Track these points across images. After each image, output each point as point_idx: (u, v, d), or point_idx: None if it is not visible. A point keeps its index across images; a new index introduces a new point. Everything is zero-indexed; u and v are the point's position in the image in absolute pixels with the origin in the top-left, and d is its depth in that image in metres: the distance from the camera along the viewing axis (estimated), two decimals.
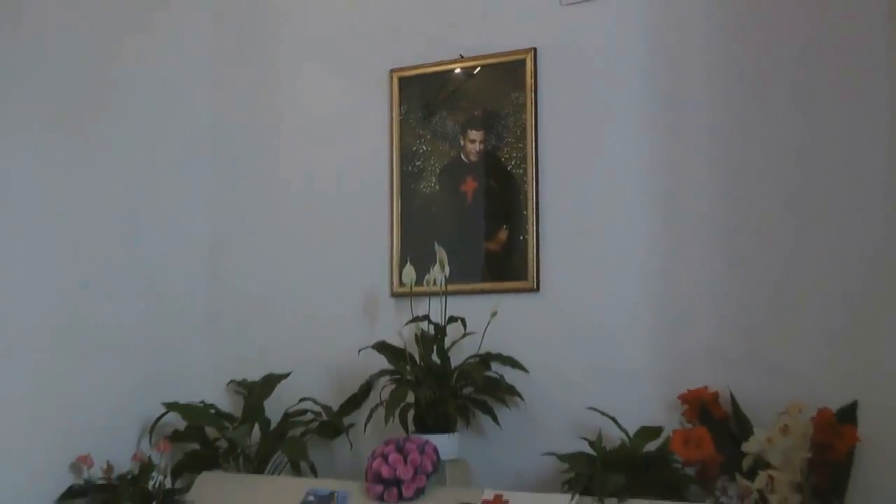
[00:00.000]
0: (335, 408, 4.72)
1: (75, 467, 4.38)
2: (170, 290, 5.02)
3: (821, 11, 3.99)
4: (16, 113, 4.30)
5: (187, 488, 4.57)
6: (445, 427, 4.28)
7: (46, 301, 4.39)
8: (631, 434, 3.96)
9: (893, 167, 3.83)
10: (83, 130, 4.59)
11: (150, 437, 4.71)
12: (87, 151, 4.61)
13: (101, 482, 4.39)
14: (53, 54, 4.45)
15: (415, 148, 4.77)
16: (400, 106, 4.79)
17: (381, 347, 4.47)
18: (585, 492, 3.79)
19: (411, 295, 4.48)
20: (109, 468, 4.41)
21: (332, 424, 4.69)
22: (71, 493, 4.36)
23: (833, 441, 3.63)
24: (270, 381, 4.82)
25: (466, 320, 4.37)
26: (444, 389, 4.30)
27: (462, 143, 4.65)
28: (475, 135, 4.62)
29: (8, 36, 4.30)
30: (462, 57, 4.66)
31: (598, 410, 4.07)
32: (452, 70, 4.70)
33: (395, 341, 4.50)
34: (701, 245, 4.16)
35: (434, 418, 4.29)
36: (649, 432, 3.95)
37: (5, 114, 4.26)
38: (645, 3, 4.34)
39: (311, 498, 4.24)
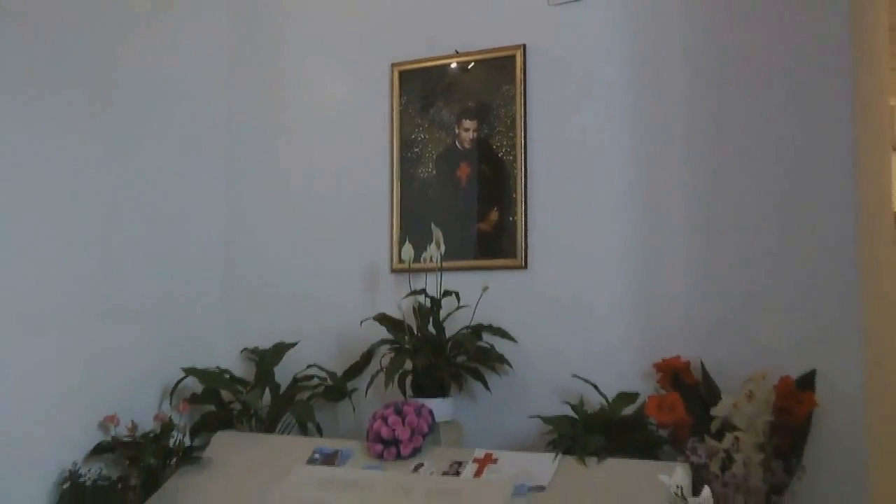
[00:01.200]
0: (339, 374, 4.74)
1: (103, 426, 4.42)
2: (189, 267, 5.02)
3: (794, 13, 3.99)
4: (52, 116, 4.32)
5: (204, 446, 4.59)
6: (440, 392, 4.31)
7: (78, 280, 4.42)
8: (610, 399, 4.00)
9: (853, 165, 3.86)
10: (111, 130, 4.60)
11: (171, 399, 4.75)
12: (117, 148, 4.62)
13: (126, 439, 4.42)
14: (80, 60, 4.47)
15: (413, 136, 4.76)
16: (400, 97, 4.78)
17: (382, 319, 4.49)
18: (568, 451, 3.84)
19: (409, 271, 4.48)
20: (134, 427, 4.45)
21: (337, 389, 4.71)
22: (99, 448, 4.39)
23: (793, 406, 3.67)
24: (280, 349, 4.84)
25: (460, 294, 4.39)
26: (439, 357, 4.31)
27: (457, 131, 4.65)
28: (469, 124, 4.62)
29: (50, 47, 4.33)
30: (458, 53, 4.65)
31: (580, 377, 4.11)
32: (449, 65, 4.69)
33: (395, 313, 4.50)
34: (676, 228, 4.17)
35: (430, 384, 4.32)
36: (627, 397, 3.99)
37: (43, 116, 4.29)
38: (628, 4, 4.33)
39: (317, 456, 4.27)
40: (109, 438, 4.43)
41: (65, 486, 4.22)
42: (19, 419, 4.14)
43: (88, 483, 4.24)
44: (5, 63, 4.18)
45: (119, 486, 4.35)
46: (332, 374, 4.76)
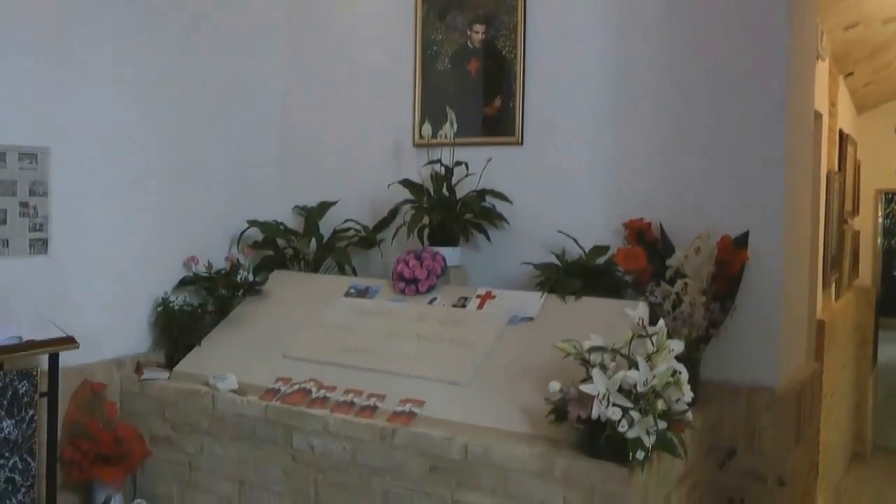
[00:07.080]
0: (370, 227, 4.78)
1: (186, 265, 4.51)
2: (252, 139, 4.94)
3: None
4: (139, 20, 4.25)
5: (264, 282, 4.67)
6: (451, 242, 4.36)
7: (166, 148, 4.40)
8: (587, 250, 4.04)
9: (786, 71, 3.80)
10: (185, 25, 4.50)
11: (238, 244, 4.77)
12: (190, 38, 4.53)
13: (204, 275, 4.51)
14: None
15: (433, 37, 4.68)
16: (423, 6, 4.70)
17: (405, 183, 4.51)
18: (552, 290, 3.92)
19: (428, 145, 4.49)
20: (210, 266, 4.53)
21: (368, 239, 4.75)
22: (184, 282, 4.49)
23: (730, 259, 3.73)
24: (324, 207, 4.86)
25: (468, 164, 4.40)
26: (450, 214, 4.34)
27: (469, 34, 4.57)
28: (479, 28, 4.54)
29: None
30: None
31: (563, 233, 4.15)
32: None
33: (416, 179, 4.54)
34: (643, 117, 4.10)
35: (443, 235, 4.36)
36: (600, 249, 4.03)
37: (135, 21, 4.23)
38: None
39: (352, 290, 4.35)
40: (191, 274, 4.52)
41: (159, 309, 4.33)
42: (127, 259, 4.24)
43: (176, 307, 4.34)
44: None
45: (199, 310, 4.43)
46: (364, 227, 4.79)
